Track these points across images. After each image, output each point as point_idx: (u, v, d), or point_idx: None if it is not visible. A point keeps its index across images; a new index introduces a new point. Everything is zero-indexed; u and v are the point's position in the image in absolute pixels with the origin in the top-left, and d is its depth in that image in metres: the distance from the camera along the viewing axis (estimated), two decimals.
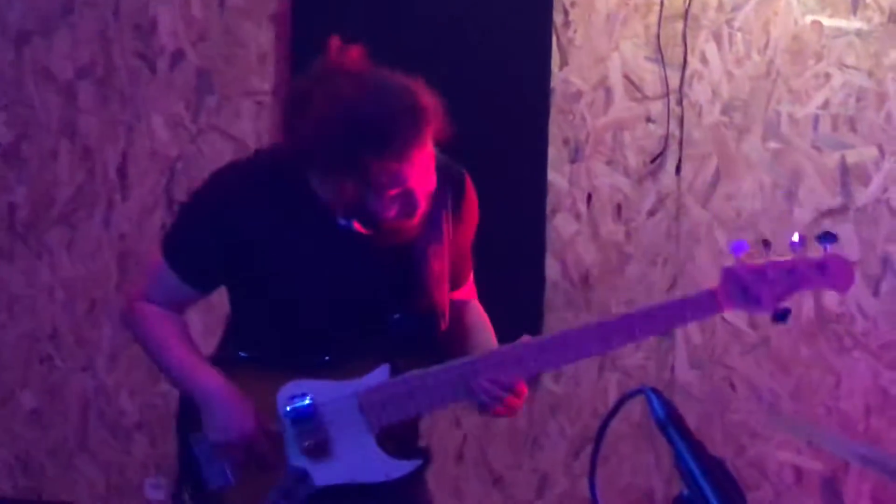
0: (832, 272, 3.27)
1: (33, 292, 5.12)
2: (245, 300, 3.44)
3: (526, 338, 3.30)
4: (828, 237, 3.26)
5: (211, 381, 3.33)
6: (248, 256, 3.33)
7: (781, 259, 3.26)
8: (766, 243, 3.32)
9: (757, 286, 3.24)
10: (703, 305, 3.31)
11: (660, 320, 3.36)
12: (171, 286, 3.40)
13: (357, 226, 3.29)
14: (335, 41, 3.28)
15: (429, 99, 3.21)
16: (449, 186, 3.38)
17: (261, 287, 3.37)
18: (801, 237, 3.29)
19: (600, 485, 4.51)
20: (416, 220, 3.26)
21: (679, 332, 4.68)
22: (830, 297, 4.54)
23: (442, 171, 3.33)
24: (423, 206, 3.24)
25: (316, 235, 3.35)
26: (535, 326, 4.72)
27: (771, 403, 4.60)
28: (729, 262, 4.35)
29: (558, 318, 4.77)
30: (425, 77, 4.56)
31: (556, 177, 4.69)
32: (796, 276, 3.25)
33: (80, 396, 5.07)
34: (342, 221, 3.32)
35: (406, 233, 3.28)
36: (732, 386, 4.63)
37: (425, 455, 3.41)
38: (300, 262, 3.33)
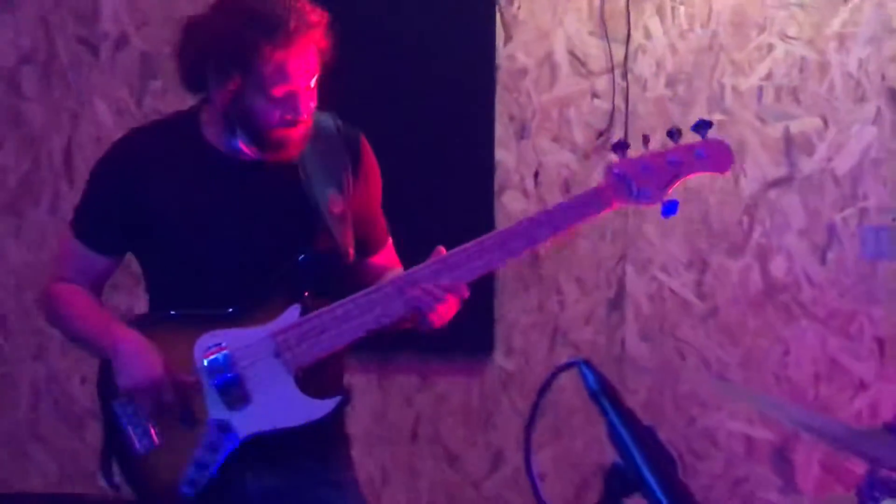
0: (711, 155, 3.34)
1: None
2: (154, 261, 3.46)
3: (441, 248, 3.34)
4: (703, 124, 3.31)
5: (118, 333, 3.36)
6: (149, 215, 3.37)
7: (661, 150, 3.31)
8: (645, 139, 3.37)
9: (641, 179, 3.30)
10: (592, 203, 3.36)
11: (558, 219, 3.38)
12: (81, 258, 3.46)
13: (243, 146, 3.33)
14: None
15: (316, 8, 3.29)
16: (345, 145, 3.44)
17: (166, 245, 3.40)
18: (675, 129, 3.32)
19: (552, 458, 4.48)
20: (299, 133, 3.30)
21: (629, 306, 4.74)
22: (777, 267, 4.60)
23: (340, 131, 3.44)
24: (305, 115, 3.27)
25: (213, 186, 3.38)
26: (486, 303, 4.77)
27: (720, 373, 4.65)
28: (677, 225, 4.65)
29: (510, 295, 4.82)
30: (372, 55, 4.73)
31: (504, 154, 4.73)
32: (677, 163, 3.31)
33: (32, 385, 5.09)
34: (225, 142, 3.36)
35: (290, 147, 3.32)
36: (682, 357, 4.67)
37: (345, 392, 3.42)
38: (201, 213, 3.37)
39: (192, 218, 3.36)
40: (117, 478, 3.43)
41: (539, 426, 4.76)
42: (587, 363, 2.32)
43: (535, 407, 2.41)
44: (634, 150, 3.41)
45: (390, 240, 3.55)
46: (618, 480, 2.24)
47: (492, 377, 4.80)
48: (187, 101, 4.94)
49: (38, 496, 4.92)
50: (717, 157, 3.38)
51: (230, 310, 3.35)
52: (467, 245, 3.38)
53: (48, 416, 5.00)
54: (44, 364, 5.01)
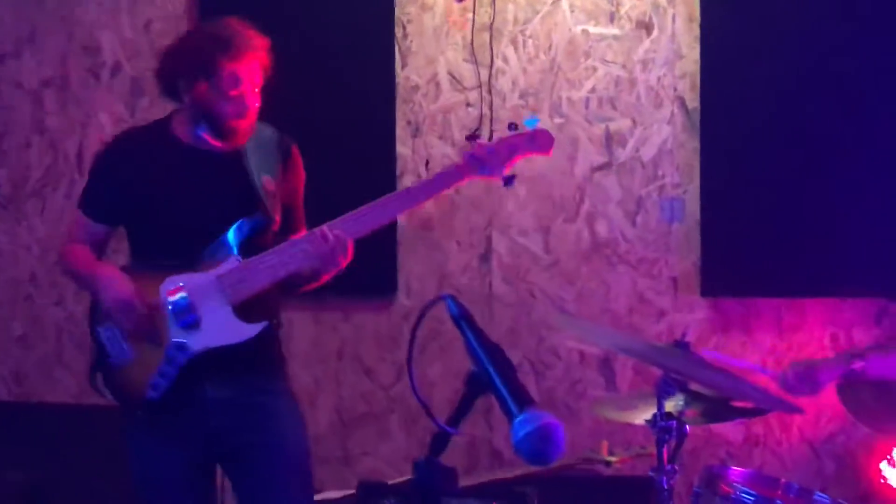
0: (538, 141, 3.44)
1: (15, 248, 5.02)
2: (135, 226, 3.46)
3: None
4: (533, 119, 3.46)
5: (100, 268, 3.40)
6: (131, 193, 3.40)
7: (502, 137, 3.44)
8: (512, 126, 3.49)
9: (488, 160, 3.37)
10: (453, 175, 3.44)
11: (431, 187, 3.48)
12: (85, 227, 3.47)
13: (206, 135, 3.36)
14: None
15: (262, 38, 3.35)
16: (280, 147, 3.47)
17: (143, 214, 3.41)
18: (513, 123, 3.45)
19: (440, 371, 4.59)
20: (247, 125, 3.34)
21: (494, 259, 4.73)
22: (602, 227, 4.65)
23: (277, 138, 3.47)
24: (251, 111, 3.34)
25: (178, 170, 3.40)
26: (391, 259, 4.79)
27: (561, 307, 4.66)
28: (529, 201, 4.71)
29: (408, 252, 4.82)
30: (307, 79, 4.68)
31: (403, 149, 4.72)
32: (515, 147, 3.40)
33: (55, 324, 5.02)
34: (194, 133, 3.38)
35: (239, 136, 3.36)
36: (533, 295, 4.70)
37: (271, 318, 3.43)
38: (168, 191, 3.38)
39: (161, 194, 3.39)
40: (98, 384, 3.42)
41: (430, 348, 4.70)
42: (451, 297, 2.33)
43: (415, 328, 2.40)
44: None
45: (305, 228, 3.54)
46: (474, 383, 2.24)
47: (396, 311, 4.79)
48: (167, 112, 4.83)
49: (62, 405, 4.80)
50: (543, 142, 3.47)
51: (188, 259, 3.36)
52: (359, 209, 3.43)
53: (68, 346, 4.92)
54: (63, 308, 4.94)
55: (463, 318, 2.28)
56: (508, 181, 3.44)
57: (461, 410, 2.22)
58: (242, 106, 3.32)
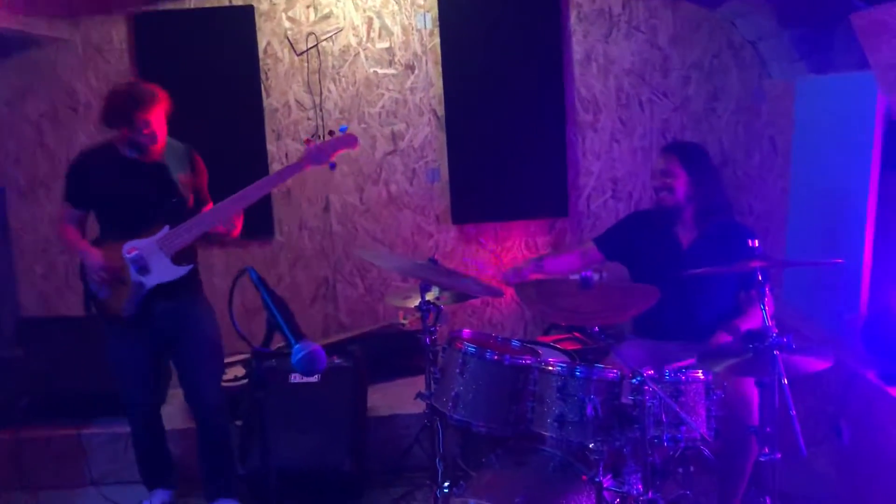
0: (347, 140, 3.50)
1: (34, 220, 4.99)
2: (98, 211, 3.46)
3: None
4: (343, 129, 3.47)
5: (84, 247, 3.38)
6: (92, 189, 3.38)
7: (327, 140, 3.49)
8: (331, 133, 3.51)
9: (319, 154, 3.43)
10: (299, 165, 3.44)
11: (284, 175, 3.45)
12: (69, 212, 3.48)
13: (131, 153, 3.32)
14: None
15: (163, 91, 3.30)
16: (187, 154, 3.48)
17: (101, 204, 3.41)
18: (332, 131, 3.48)
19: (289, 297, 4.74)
20: (157, 147, 3.30)
21: (332, 210, 4.82)
22: (393, 187, 4.82)
23: (181, 147, 3.46)
24: (159, 142, 3.30)
25: (121, 173, 3.37)
26: (269, 212, 4.84)
27: (374, 238, 4.87)
28: (349, 174, 4.79)
29: (279, 208, 4.89)
30: (211, 109, 4.68)
31: (271, 147, 4.84)
32: (334, 146, 3.45)
33: (63, 266, 5.02)
34: (127, 153, 3.33)
35: (153, 154, 3.32)
36: (356, 230, 4.95)
37: (193, 262, 3.46)
38: (116, 187, 3.36)
39: (111, 189, 3.38)
40: (93, 310, 3.47)
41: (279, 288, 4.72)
42: (251, 269, 2.32)
43: (233, 285, 2.38)
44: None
45: (211, 202, 3.52)
46: (269, 325, 2.21)
47: (274, 245, 4.91)
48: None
49: (69, 317, 4.65)
50: (350, 141, 3.52)
51: (136, 230, 3.35)
52: (240, 191, 3.41)
53: (73, 280, 4.97)
54: (68, 257, 4.96)
55: (259, 282, 2.25)
56: (332, 167, 3.51)
57: (267, 340, 2.27)
58: (152, 137, 3.32)
